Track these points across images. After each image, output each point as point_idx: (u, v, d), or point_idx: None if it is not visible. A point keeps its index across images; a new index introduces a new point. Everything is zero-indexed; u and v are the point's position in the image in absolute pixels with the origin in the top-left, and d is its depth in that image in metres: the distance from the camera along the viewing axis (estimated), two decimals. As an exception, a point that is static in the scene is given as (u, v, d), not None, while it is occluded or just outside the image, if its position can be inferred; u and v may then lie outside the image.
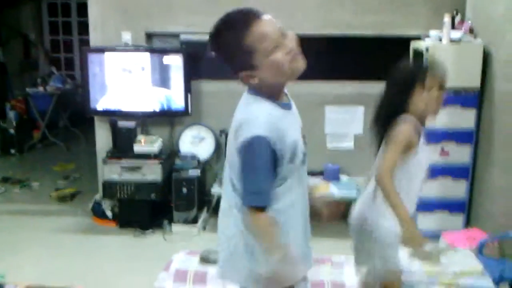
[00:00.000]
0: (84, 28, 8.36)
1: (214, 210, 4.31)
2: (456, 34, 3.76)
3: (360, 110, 4.33)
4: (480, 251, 3.18)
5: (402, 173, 2.10)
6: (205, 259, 2.96)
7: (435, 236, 3.80)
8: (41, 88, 6.59)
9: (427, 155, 2.22)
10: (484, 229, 3.62)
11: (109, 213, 4.32)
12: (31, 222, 4.40)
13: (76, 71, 8.71)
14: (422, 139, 2.15)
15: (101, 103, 4.33)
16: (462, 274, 2.75)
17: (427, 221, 4.05)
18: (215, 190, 4.21)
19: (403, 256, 2.20)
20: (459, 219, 4.05)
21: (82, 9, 8.31)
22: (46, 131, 6.69)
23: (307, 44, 1.62)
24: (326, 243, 3.97)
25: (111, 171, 4.14)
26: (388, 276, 2.19)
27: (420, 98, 2.09)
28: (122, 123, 4.19)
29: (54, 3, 8.38)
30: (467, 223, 4.05)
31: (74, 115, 7.22)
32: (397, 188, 2.04)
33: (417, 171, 2.16)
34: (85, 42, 8.44)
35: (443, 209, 4.06)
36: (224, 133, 4.41)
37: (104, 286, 3.35)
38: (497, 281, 2.83)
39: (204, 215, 4.34)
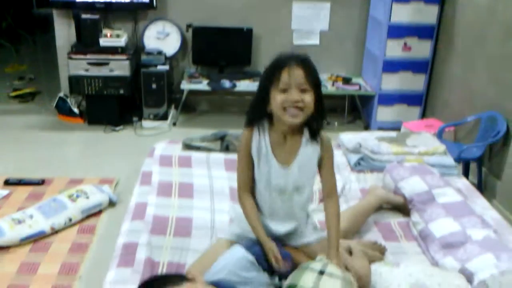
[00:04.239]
0: None
1: (184, 106, 4.35)
2: None
3: (326, 7, 4.37)
4: (440, 135, 3.47)
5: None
6: (188, 145, 3.05)
7: (395, 127, 4.10)
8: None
9: (277, 172, 1.73)
10: (440, 119, 3.92)
11: (76, 110, 4.25)
12: (-6, 121, 4.28)
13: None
14: (266, 152, 1.72)
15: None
16: (427, 153, 3.00)
17: (387, 113, 4.33)
18: (184, 86, 4.22)
19: None
20: (416, 111, 4.35)
21: None
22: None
23: None
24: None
25: (77, 67, 4.02)
26: None
27: (273, 100, 1.65)
28: (86, 15, 4.01)
29: None
30: (423, 115, 4.36)
31: (17, 16, 6.78)
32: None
33: (261, 186, 1.77)
34: None
35: (402, 102, 4.32)
36: (190, 27, 4.34)
37: (83, 175, 3.38)
38: (456, 161, 3.12)
39: (173, 111, 4.38)
